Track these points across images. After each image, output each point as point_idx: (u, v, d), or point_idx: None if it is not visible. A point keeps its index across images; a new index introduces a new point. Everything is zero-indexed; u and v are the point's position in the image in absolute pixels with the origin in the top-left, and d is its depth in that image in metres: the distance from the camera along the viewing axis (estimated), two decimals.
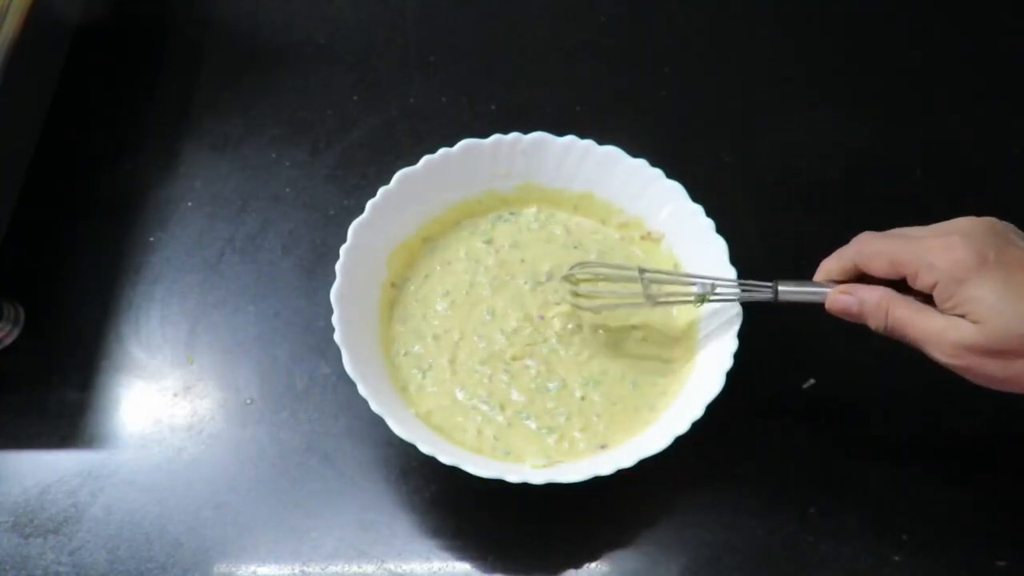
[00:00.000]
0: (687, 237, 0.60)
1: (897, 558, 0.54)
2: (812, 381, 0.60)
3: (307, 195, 0.69)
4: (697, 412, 0.51)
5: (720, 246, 0.57)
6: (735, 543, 0.55)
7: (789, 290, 0.53)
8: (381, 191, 0.60)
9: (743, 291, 0.55)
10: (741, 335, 0.54)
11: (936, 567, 0.54)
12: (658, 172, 0.60)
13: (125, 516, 0.56)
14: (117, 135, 0.72)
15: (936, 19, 0.79)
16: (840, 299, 0.52)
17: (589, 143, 0.61)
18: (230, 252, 0.66)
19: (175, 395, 0.61)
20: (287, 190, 0.69)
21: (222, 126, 0.73)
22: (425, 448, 0.50)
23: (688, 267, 0.59)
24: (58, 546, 0.55)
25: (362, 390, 0.52)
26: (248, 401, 0.60)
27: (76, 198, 0.69)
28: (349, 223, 0.67)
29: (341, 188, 0.69)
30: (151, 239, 0.67)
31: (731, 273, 0.56)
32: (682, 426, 0.51)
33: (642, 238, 0.62)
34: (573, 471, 0.51)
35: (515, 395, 0.56)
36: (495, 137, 0.61)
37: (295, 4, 0.80)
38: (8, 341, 0.61)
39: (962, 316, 0.47)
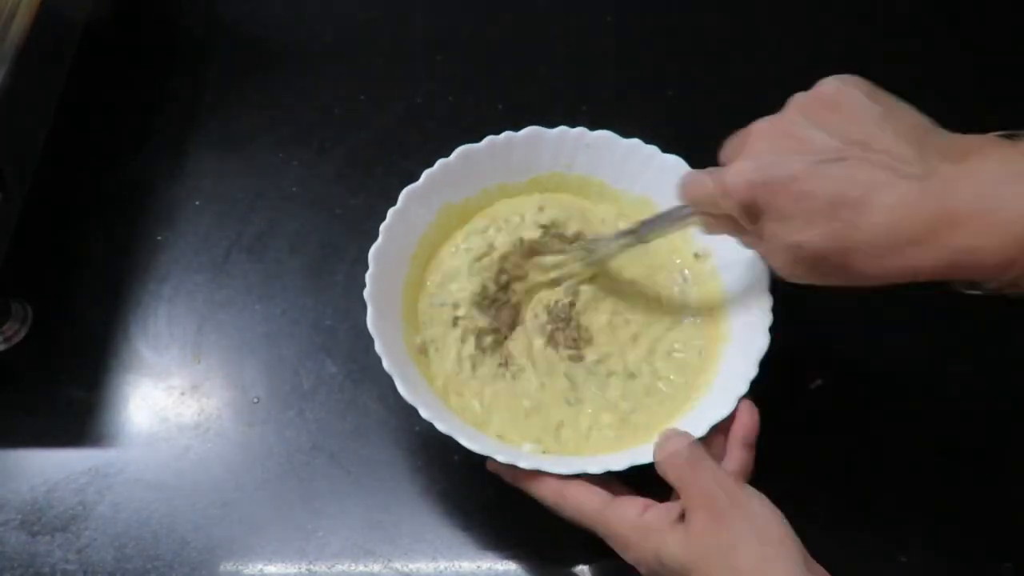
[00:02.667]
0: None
1: (904, 559, 0.54)
2: (819, 382, 0.60)
3: (314, 194, 0.69)
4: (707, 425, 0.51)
5: None
6: None
7: (654, 226, 0.55)
8: (439, 163, 0.59)
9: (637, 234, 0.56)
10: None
11: (942, 568, 0.54)
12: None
13: (132, 514, 0.56)
14: (125, 134, 0.72)
15: (944, 20, 0.79)
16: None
17: (653, 149, 0.60)
18: (237, 251, 0.67)
19: (182, 394, 0.61)
20: (294, 189, 0.69)
21: (229, 125, 0.73)
22: (425, 413, 0.50)
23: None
24: (66, 544, 0.55)
25: (378, 347, 0.52)
26: (255, 400, 0.60)
27: (84, 197, 0.69)
28: (356, 222, 0.67)
29: (348, 187, 0.69)
30: (159, 238, 0.67)
31: None
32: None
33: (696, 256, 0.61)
34: (563, 464, 0.50)
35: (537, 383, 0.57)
36: (560, 128, 0.61)
37: (303, 3, 0.80)
38: (16, 340, 0.62)
39: None
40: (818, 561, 0.54)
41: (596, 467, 0.49)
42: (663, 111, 0.73)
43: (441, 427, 0.50)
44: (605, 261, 0.59)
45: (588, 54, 0.77)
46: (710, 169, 0.49)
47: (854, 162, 0.42)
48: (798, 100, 0.46)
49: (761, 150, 0.45)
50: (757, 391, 0.51)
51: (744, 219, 0.46)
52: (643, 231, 0.56)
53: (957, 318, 0.63)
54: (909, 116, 0.44)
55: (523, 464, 0.49)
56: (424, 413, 0.50)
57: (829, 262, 0.43)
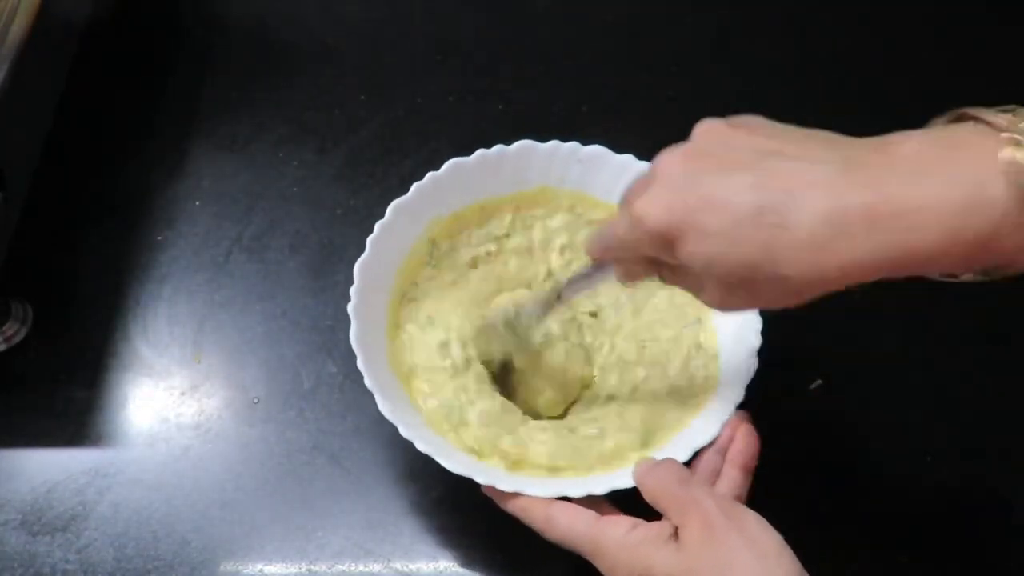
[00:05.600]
0: None
1: (904, 559, 0.54)
2: (819, 382, 0.60)
3: (314, 195, 0.69)
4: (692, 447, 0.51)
5: None
6: None
7: (573, 288, 0.52)
8: (429, 176, 0.59)
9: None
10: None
11: (943, 569, 0.54)
12: None
13: (132, 514, 0.56)
14: (125, 134, 0.72)
15: (946, 20, 0.79)
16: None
17: (646, 165, 0.59)
18: (237, 251, 0.67)
19: (182, 394, 0.61)
20: (294, 189, 0.69)
21: (230, 125, 0.73)
22: (405, 432, 0.50)
23: None
24: (66, 544, 0.55)
25: (360, 362, 0.52)
26: (255, 400, 0.60)
27: (84, 197, 0.69)
28: (357, 222, 0.67)
29: (348, 188, 0.69)
30: (159, 238, 0.67)
31: None
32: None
33: None
34: (539, 486, 0.50)
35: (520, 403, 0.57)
36: (552, 142, 0.60)
37: (303, 4, 0.80)
38: (17, 340, 0.62)
39: None
40: (818, 562, 0.54)
41: (576, 490, 0.49)
42: (663, 112, 0.73)
43: (421, 447, 0.50)
44: (532, 326, 0.57)
45: (588, 54, 0.77)
46: (612, 220, 0.46)
47: (772, 167, 0.39)
48: (701, 127, 0.43)
49: (671, 175, 0.42)
50: (758, 391, 0.51)
51: (662, 251, 0.43)
52: (565, 293, 0.54)
53: (956, 318, 0.63)
54: (820, 131, 0.42)
55: (502, 486, 0.49)
56: (404, 432, 0.50)
57: (761, 274, 0.40)
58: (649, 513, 0.48)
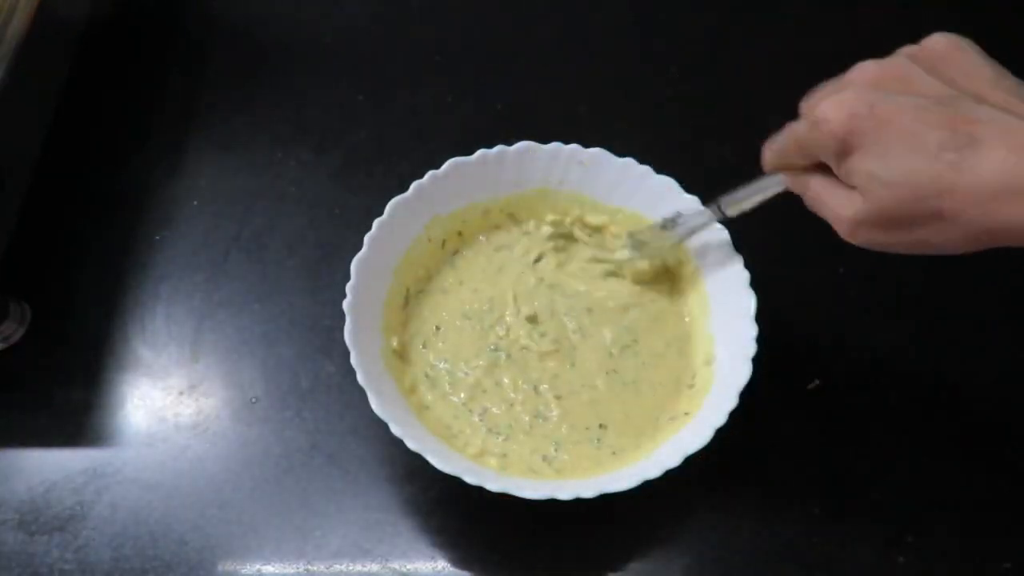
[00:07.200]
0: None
1: (902, 559, 0.54)
2: (817, 382, 0.60)
3: (313, 194, 0.69)
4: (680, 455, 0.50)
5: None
6: (738, 545, 0.55)
7: (735, 197, 0.52)
8: (429, 175, 0.59)
9: (682, 226, 0.55)
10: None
11: (941, 569, 0.54)
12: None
13: (130, 514, 0.56)
14: (123, 134, 0.72)
15: (943, 17, 0.78)
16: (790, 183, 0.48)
17: (646, 169, 0.59)
18: (236, 251, 0.66)
19: (180, 393, 0.61)
20: (293, 189, 0.69)
21: (228, 125, 0.73)
22: (396, 430, 0.50)
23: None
24: (63, 544, 0.55)
25: (354, 359, 0.52)
26: (253, 400, 0.60)
27: (82, 197, 0.69)
28: (355, 222, 0.67)
29: (347, 187, 0.69)
30: (157, 238, 0.67)
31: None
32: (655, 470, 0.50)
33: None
34: (528, 487, 0.50)
35: (518, 409, 0.56)
36: (554, 144, 0.60)
37: (302, 4, 0.80)
38: (14, 339, 0.62)
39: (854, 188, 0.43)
40: (817, 561, 0.54)
41: (565, 493, 0.49)
42: (663, 112, 0.73)
43: (412, 445, 0.50)
44: (663, 251, 0.58)
45: (588, 54, 0.77)
46: (791, 124, 0.47)
47: (967, 109, 0.40)
48: (907, 50, 0.44)
49: (864, 84, 0.42)
50: (756, 392, 0.51)
51: (833, 158, 0.43)
52: (723, 205, 0.53)
53: (954, 317, 0.63)
54: (1020, 82, 0.42)
55: (491, 487, 0.49)
56: (395, 430, 0.50)
57: (922, 208, 0.40)
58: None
